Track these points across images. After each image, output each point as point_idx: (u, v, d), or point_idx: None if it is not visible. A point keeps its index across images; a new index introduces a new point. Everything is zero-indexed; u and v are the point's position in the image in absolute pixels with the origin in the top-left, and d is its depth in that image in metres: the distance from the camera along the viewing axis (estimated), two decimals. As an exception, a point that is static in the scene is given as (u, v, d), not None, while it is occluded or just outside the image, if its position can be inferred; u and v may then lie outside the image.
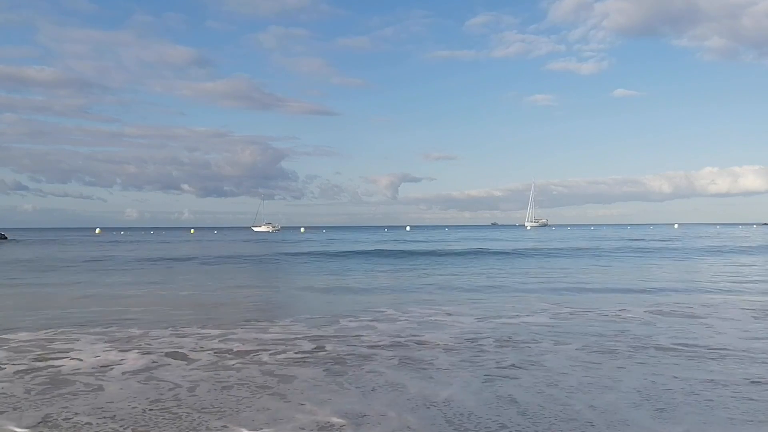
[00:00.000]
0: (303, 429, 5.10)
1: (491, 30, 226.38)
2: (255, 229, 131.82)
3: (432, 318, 11.37)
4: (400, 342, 8.94)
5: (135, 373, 7.05)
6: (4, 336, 9.43)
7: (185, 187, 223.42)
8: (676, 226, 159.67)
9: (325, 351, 8.28)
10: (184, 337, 9.40)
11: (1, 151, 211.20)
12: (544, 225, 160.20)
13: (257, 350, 8.32)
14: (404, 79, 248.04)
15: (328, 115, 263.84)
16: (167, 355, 8.01)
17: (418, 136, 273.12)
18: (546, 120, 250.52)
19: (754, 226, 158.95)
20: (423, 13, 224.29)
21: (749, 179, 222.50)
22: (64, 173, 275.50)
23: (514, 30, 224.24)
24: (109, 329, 10.10)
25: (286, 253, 37.81)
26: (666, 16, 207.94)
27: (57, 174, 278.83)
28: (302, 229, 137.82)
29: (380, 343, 8.78)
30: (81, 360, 7.72)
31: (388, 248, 42.26)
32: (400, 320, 11.12)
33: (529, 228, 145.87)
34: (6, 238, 65.68)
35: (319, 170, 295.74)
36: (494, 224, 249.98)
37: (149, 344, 8.77)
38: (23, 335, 9.49)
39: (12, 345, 8.74)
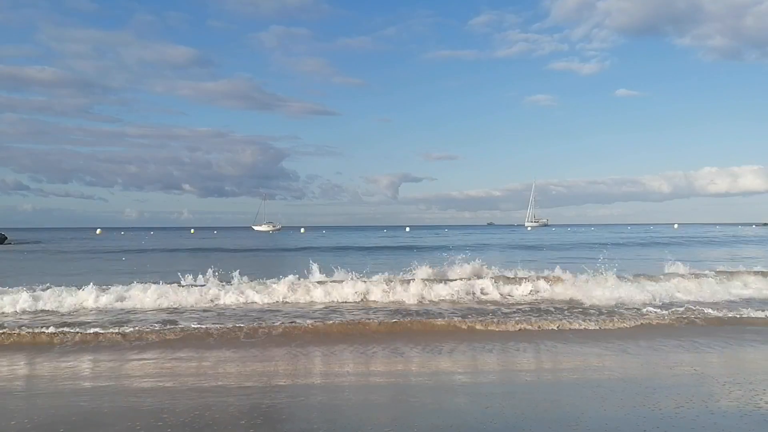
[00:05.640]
0: None
1: (494, 29, 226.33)
2: (255, 228, 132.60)
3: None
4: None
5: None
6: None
7: (186, 186, 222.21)
8: (675, 226, 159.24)
9: None
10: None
11: (2, 151, 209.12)
12: (545, 225, 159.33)
13: None
14: (405, 79, 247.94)
15: (329, 115, 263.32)
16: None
17: (418, 136, 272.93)
18: (546, 120, 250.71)
19: (753, 225, 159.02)
20: (426, 12, 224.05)
21: (748, 179, 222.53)
22: (65, 173, 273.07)
23: (516, 29, 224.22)
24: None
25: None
26: (669, 15, 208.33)
27: (58, 174, 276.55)
28: (302, 230, 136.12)
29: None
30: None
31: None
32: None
33: (530, 228, 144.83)
34: (6, 238, 63.49)
35: (320, 170, 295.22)
36: (490, 224, 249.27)
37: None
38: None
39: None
